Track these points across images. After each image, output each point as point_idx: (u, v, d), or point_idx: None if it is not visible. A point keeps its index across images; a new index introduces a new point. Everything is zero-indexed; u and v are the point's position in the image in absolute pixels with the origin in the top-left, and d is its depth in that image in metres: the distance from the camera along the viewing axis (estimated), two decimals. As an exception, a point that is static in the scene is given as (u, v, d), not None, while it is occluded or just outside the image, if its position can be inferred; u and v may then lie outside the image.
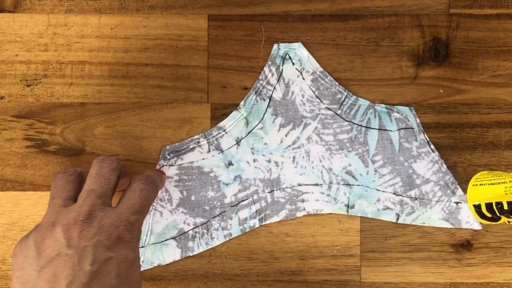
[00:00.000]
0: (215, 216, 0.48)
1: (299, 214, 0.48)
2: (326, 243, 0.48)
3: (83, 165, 0.48)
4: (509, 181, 0.35)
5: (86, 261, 0.36)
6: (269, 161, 0.48)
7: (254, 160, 0.48)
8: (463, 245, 0.48)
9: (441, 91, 0.49)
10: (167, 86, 0.49)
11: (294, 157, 0.48)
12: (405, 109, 0.48)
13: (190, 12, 0.50)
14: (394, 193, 0.48)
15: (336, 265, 0.48)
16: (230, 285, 0.48)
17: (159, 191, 0.47)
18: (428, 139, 0.48)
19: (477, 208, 0.37)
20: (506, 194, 0.35)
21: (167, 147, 0.48)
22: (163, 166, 0.48)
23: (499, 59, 0.49)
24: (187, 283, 0.48)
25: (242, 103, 0.48)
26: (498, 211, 0.36)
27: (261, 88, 0.48)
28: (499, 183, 0.36)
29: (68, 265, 0.36)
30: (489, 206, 0.36)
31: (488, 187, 0.36)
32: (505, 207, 0.35)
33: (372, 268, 0.48)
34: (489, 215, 0.37)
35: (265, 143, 0.48)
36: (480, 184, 0.37)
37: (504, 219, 0.37)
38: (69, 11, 0.50)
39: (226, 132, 0.48)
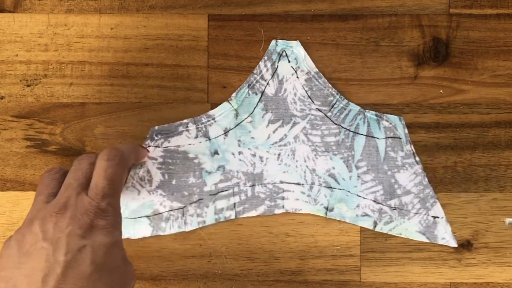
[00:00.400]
0: (192, 203, 0.48)
1: (277, 211, 0.48)
2: (326, 243, 0.48)
3: (83, 165, 0.48)
4: None
5: (60, 251, 0.36)
6: (254, 155, 0.48)
7: (240, 153, 0.48)
8: (463, 245, 0.48)
9: (441, 91, 0.49)
10: (167, 86, 0.49)
11: (279, 154, 0.48)
12: (394, 118, 0.48)
13: (190, 12, 0.50)
14: (374, 201, 0.48)
15: (336, 265, 0.48)
16: (230, 285, 0.48)
17: (141, 162, 0.47)
18: (414, 150, 0.48)
19: None
20: None
21: (156, 127, 0.48)
22: (149, 146, 0.48)
23: (499, 59, 0.49)
24: (187, 283, 0.48)
25: (234, 94, 0.49)
26: None
27: (254, 82, 0.49)
28: None
29: (43, 258, 0.36)
30: None
31: None
32: None
33: (372, 268, 0.48)
34: None
35: (252, 137, 0.48)
36: None
37: None
38: (69, 11, 0.50)
39: (215, 121, 0.48)
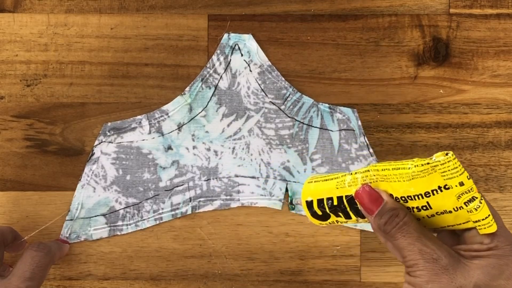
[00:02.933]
0: (148, 198, 0.48)
1: (233, 205, 0.48)
2: (326, 243, 0.48)
3: (83, 165, 0.48)
4: (342, 176, 0.35)
5: None
6: (208, 149, 0.48)
7: (194, 147, 0.48)
8: (463, 245, 0.48)
9: (441, 91, 0.49)
10: (167, 86, 0.49)
11: (234, 148, 0.48)
12: (347, 111, 0.48)
13: (190, 12, 0.50)
14: None
15: (336, 265, 0.48)
16: (230, 285, 0.48)
17: (95, 158, 0.48)
18: (367, 142, 0.48)
19: (309, 205, 0.36)
20: (337, 188, 0.35)
21: (109, 123, 0.48)
22: (102, 142, 0.48)
23: (499, 59, 0.49)
24: (187, 283, 0.48)
25: (187, 89, 0.49)
26: (328, 207, 0.36)
27: (207, 76, 0.49)
28: (332, 179, 0.36)
29: None
30: (320, 202, 0.36)
31: (322, 183, 0.36)
32: (335, 202, 0.35)
33: (372, 268, 0.48)
34: (319, 212, 0.36)
35: (207, 131, 0.48)
36: (315, 181, 0.37)
37: (333, 217, 0.36)
38: (69, 11, 0.50)
39: (168, 116, 0.48)
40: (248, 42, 0.49)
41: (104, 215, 0.48)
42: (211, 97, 0.49)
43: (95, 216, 0.48)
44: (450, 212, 0.33)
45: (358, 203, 0.35)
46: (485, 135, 0.49)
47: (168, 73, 0.49)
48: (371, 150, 0.48)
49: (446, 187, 0.32)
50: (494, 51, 0.49)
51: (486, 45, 0.49)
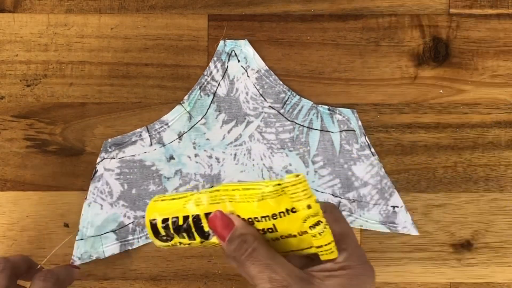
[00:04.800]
0: None
1: None
2: (326, 243, 0.48)
3: (83, 165, 0.48)
4: (190, 195, 0.34)
5: None
6: (210, 156, 0.48)
7: (196, 155, 0.48)
8: (463, 245, 0.48)
9: (441, 91, 0.49)
10: (167, 86, 0.49)
11: (235, 154, 0.48)
12: (347, 111, 0.48)
13: (190, 12, 0.50)
14: (332, 194, 0.48)
15: (336, 265, 0.48)
16: (230, 285, 0.48)
17: (99, 175, 0.47)
18: (368, 142, 0.48)
19: (153, 225, 0.35)
20: (184, 207, 0.33)
21: (109, 140, 0.48)
22: (104, 158, 0.48)
23: (499, 59, 0.49)
24: (187, 283, 0.48)
25: (186, 97, 0.49)
26: (172, 227, 0.34)
27: (205, 83, 0.49)
28: (180, 198, 0.34)
29: None
30: (165, 221, 0.34)
31: (169, 202, 0.34)
32: (180, 221, 0.33)
33: (372, 268, 0.48)
34: (163, 232, 0.34)
35: (207, 139, 0.48)
36: (161, 200, 0.35)
37: (176, 239, 0.34)
38: (69, 11, 0.50)
39: (168, 126, 0.48)
40: (244, 47, 0.49)
41: (114, 231, 0.48)
42: (210, 105, 0.48)
43: (105, 233, 0.48)
44: (295, 236, 0.32)
45: (211, 230, 0.33)
46: (485, 135, 0.49)
47: (168, 73, 0.49)
48: (372, 149, 0.48)
49: (294, 210, 0.31)
50: (494, 51, 0.49)
51: (486, 45, 0.49)
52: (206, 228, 0.33)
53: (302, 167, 0.48)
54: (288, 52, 0.49)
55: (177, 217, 0.34)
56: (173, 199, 0.35)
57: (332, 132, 0.48)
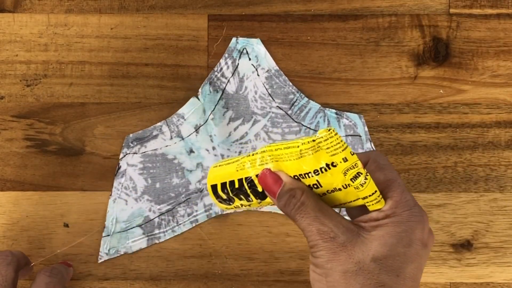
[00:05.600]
0: (181, 203, 0.48)
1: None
2: (326, 243, 0.48)
3: (82, 165, 0.48)
4: (241, 158, 0.35)
5: None
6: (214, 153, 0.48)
7: (213, 148, 0.48)
8: (463, 245, 0.48)
9: (441, 91, 0.49)
10: (167, 86, 0.49)
11: (240, 152, 0.48)
12: (354, 116, 0.48)
13: (190, 12, 0.50)
14: None
15: (336, 265, 0.48)
16: (230, 285, 0.48)
17: (122, 171, 0.48)
18: (374, 148, 0.48)
19: (214, 189, 0.36)
20: (237, 171, 0.35)
21: (130, 135, 0.48)
22: (126, 154, 0.48)
23: (499, 59, 0.49)
24: (187, 283, 0.48)
25: (200, 90, 0.49)
26: (230, 191, 0.35)
27: (215, 79, 0.49)
28: (233, 162, 0.35)
29: None
30: (224, 186, 0.36)
31: (224, 167, 0.36)
32: (236, 185, 0.35)
33: (372, 268, 0.48)
34: (224, 196, 0.36)
35: (214, 135, 0.48)
36: (219, 165, 0.36)
37: (237, 201, 0.36)
38: (69, 11, 0.50)
39: (185, 119, 0.48)
40: (256, 46, 0.49)
41: (140, 225, 0.48)
42: (218, 101, 0.48)
43: (132, 228, 0.48)
44: (340, 189, 0.32)
45: (262, 188, 0.34)
46: (485, 135, 0.49)
47: (168, 73, 0.49)
48: None
49: (333, 164, 0.31)
50: (494, 51, 0.49)
51: (486, 45, 0.49)
52: (260, 188, 0.34)
53: None
54: (288, 52, 0.49)
55: (233, 181, 0.35)
56: (228, 163, 0.36)
57: None
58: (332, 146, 0.31)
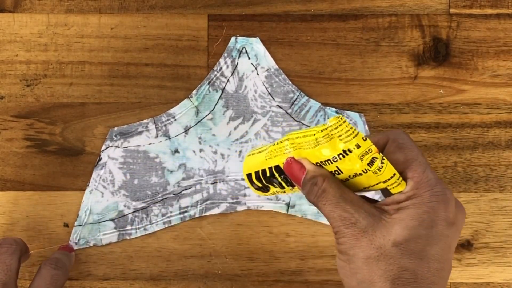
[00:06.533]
0: (156, 202, 0.48)
1: (239, 208, 0.48)
2: (326, 243, 0.48)
3: (82, 165, 0.48)
4: (270, 146, 0.35)
5: None
6: (215, 152, 0.48)
7: (201, 150, 0.48)
8: (463, 245, 0.48)
9: (441, 91, 0.49)
10: (167, 86, 0.49)
11: (240, 151, 0.48)
12: (355, 115, 0.48)
13: (190, 12, 0.50)
14: None
15: (337, 265, 0.48)
16: (230, 285, 0.48)
17: (103, 163, 0.48)
18: None
19: (250, 178, 0.36)
20: (266, 160, 0.35)
21: (115, 128, 0.48)
22: (109, 147, 0.48)
23: (499, 59, 0.49)
24: (187, 283, 0.48)
25: (194, 92, 0.49)
26: (264, 179, 0.36)
27: (214, 79, 0.49)
28: (263, 150, 0.36)
29: None
30: (257, 175, 0.36)
31: (256, 156, 0.36)
32: (268, 173, 0.35)
33: (372, 268, 0.48)
34: (259, 184, 0.36)
35: (213, 134, 0.48)
36: (252, 154, 0.37)
37: (272, 188, 0.36)
38: (69, 11, 0.50)
39: (175, 119, 0.48)
40: (256, 45, 0.49)
41: (113, 219, 0.48)
42: (218, 100, 0.49)
43: (104, 221, 0.48)
44: (361, 174, 0.32)
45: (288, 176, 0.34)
46: (485, 135, 0.49)
47: (168, 73, 0.49)
48: None
49: (349, 150, 0.31)
50: (494, 51, 0.49)
51: (486, 45, 0.49)
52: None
53: None
54: (288, 52, 0.49)
55: (264, 170, 0.35)
56: (260, 152, 0.36)
57: None
58: (343, 134, 0.31)
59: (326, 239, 0.48)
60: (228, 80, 0.49)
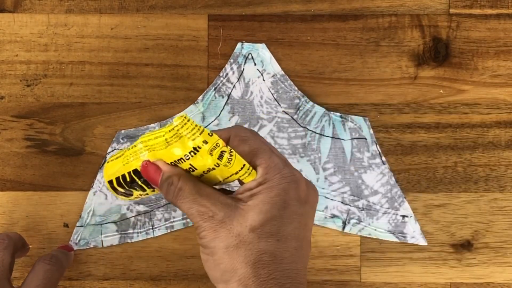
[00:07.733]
0: (160, 207, 0.48)
1: None
2: (326, 243, 0.48)
3: (82, 165, 0.48)
4: (125, 152, 0.36)
5: None
6: None
7: None
8: (463, 245, 0.48)
9: (441, 91, 0.49)
10: (167, 86, 0.49)
11: None
12: (359, 119, 0.48)
13: (190, 12, 0.50)
14: (342, 202, 0.48)
15: (336, 265, 0.48)
16: (230, 285, 0.48)
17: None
18: (380, 150, 0.48)
19: (111, 185, 0.37)
20: (124, 165, 0.35)
21: (122, 131, 0.48)
22: (115, 149, 0.48)
23: (499, 59, 0.49)
24: (187, 283, 0.48)
25: (200, 97, 0.49)
26: (125, 184, 0.36)
27: (220, 85, 0.49)
28: (120, 156, 0.36)
29: None
30: (118, 180, 0.36)
31: (114, 162, 0.36)
32: (128, 178, 0.36)
33: (372, 268, 0.48)
34: (122, 190, 0.37)
35: None
36: (110, 161, 0.37)
37: (135, 192, 0.37)
38: (69, 11, 0.50)
39: None
40: (262, 51, 0.49)
41: (115, 222, 0.48)
42: (224, 106, 0.48)
43: (106, 223, 0.48)
44: (214, 169, 0.33)
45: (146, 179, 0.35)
46: (485, 135, 0.49)
47: (168, 73, 0.49)
48: (383, 158, 0.48)
49: (199, 147, 0.32)
50: (494, 51, 0.49)
51: (486, 45, 0.49)
52: None
53: (312, 174, 0.48)
54: (288, 52, 0.49)
55: (124, 175, 0.36)
56: (117, 158, 0.36)
57: (343, 139, 0.48)
58: (189, 132, 0.32)
59: (325, 239, 0.48)
60: (234, 86, 0.49)
